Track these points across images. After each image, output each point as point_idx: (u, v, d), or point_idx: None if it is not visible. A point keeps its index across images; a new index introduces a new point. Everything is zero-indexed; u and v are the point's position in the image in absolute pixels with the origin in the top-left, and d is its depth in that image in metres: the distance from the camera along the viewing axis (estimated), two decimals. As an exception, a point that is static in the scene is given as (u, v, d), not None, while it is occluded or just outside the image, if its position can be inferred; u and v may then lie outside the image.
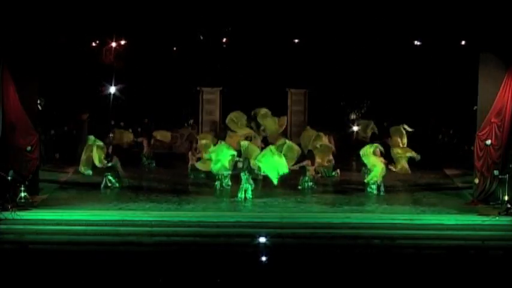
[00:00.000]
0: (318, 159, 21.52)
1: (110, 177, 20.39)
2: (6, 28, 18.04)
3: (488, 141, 18.10)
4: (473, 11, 18.57)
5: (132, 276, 13.12)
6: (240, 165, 20.01)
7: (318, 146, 21.90)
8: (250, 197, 19.00)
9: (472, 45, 21.04)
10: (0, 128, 18.23)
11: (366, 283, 13.01)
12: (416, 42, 28.57)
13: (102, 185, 20.36)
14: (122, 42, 29.71)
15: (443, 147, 26.03)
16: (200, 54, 29.40)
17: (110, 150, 21.38)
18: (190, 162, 22.40)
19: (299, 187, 20.34)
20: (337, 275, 13.33)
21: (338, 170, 22.22)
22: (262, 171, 19.43)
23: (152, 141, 24.98)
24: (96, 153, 20.49)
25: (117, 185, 20.43)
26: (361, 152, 20.26)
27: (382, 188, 19.71)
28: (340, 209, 18.09)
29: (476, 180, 18.46)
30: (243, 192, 19.03)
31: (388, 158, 20.68)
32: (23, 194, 17.95)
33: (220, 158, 19.85)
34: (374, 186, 19.70)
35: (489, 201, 18.15)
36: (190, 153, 22.74)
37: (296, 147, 20.70)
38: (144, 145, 24.76)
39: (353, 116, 28.65)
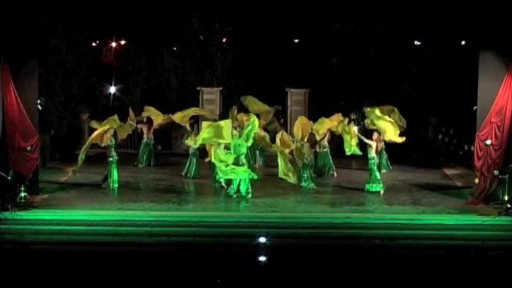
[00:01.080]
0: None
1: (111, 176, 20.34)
2: (7, 28, 18.05)
3: (488, 141, 18.09)
4: (473, 11, 18.58)
5: (132, 276, 13.12)
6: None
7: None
8: (244, 193, 18.98)
9: (472, 45, 21.07)
10: (0, 128, 18.24)
11: (366, 283, 13.01)
12: (417, 42, 28.64)
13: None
14: (122, 42, 29.82)
15: (443, 147, 26.03)
16: (200, 54, 29.46)
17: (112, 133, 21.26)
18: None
19: (302, 184, 20.34)
20: (338, 275, 13.32)
21: (333, 171, 22.19)
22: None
23: (152, 128, 24.68)
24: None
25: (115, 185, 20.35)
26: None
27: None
28: (340, 209, 18.07)
29: (476, 180, 18.45)
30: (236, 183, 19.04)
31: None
32: (23, 194, 17.93)
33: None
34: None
35: (489, 201, 18.14)
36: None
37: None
38: (144, 132, 24.68)
39: (353, 116, 28.63)
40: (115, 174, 20.30)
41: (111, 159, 20.35)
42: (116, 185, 20.25)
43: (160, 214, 17.44)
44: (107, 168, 20.46)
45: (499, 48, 18.00)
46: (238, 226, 16.78)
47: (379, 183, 19.58)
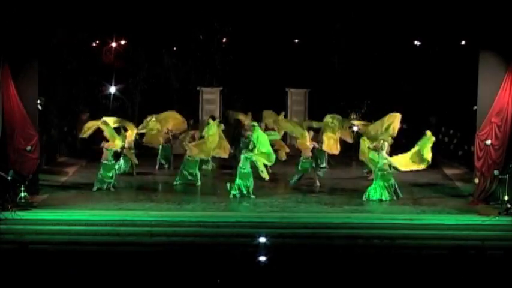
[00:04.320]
0: None
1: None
2: (7, 28, 18.05)
3: (488, 141, 18.10)
4: (473, 11, 18.59)
5: (132, 276, 13.12)
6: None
7: None
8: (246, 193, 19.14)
9: (472, 44, 21.06)
10: (0, 128, 18.25)
11: (366, 283, 13.01)
12: (417, 42, 28.63)
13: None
14: (122, 42, 29.83)
15: (443, 147, 26.03)
16: (200, 54, 29.46)
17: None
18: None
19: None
20: (337, 275, 13.32)
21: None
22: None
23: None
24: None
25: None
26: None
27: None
28: (340, 209, 18.07)
29: (476, 180, 18.46)
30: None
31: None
32: (23, 194, 17.94)
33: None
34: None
35: (489, 201, 18.14)
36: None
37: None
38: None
39: (353, 116, 28.66)
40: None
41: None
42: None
43: (160, 214, 17.44)
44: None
45: (499, 48, 18.01)
46: (238, 226, 16.78)
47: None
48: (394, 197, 18.92)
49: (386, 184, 18.92)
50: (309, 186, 20.71)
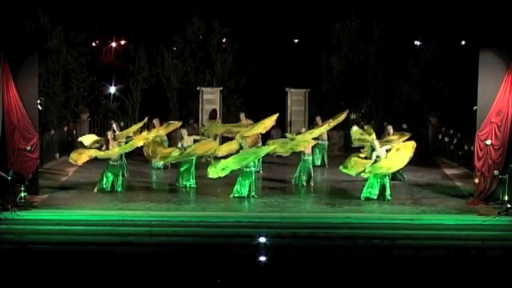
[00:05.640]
0: None
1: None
2: (7, 27, 18.07)
3: (488, 141, 18.10)
4: (473, 10, 18.61)
5: (132, 276, 13.13)
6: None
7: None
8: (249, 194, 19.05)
9: (472, 45, 21.07)
10: (0, 128, 18.25)
11: (365, 283, 13.01)
12: (417, 42, 28.66)
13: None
14: (122, 42, 29.87)
15: (443, 147, 26.03)
16: (200, 54, 29.46)
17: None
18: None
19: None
20: (337, 275, 13.33)
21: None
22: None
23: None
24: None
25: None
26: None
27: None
28: (340, 209, 18.07)
29: (476, 180, 18.46)
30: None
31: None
32: (23, 194, 17.94)
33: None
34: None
35: (489, 201, 18.15)
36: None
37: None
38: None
39: (353, 116, 28.66)
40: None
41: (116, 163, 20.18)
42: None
43: (160, 214, 17.44)
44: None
45: (499, 48, 18.01)
46: (238, 226, 16.77)
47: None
48: (381, 198, 18.82)
49: (377, 182, 18.91)
50: (309, 186, 20.69)
